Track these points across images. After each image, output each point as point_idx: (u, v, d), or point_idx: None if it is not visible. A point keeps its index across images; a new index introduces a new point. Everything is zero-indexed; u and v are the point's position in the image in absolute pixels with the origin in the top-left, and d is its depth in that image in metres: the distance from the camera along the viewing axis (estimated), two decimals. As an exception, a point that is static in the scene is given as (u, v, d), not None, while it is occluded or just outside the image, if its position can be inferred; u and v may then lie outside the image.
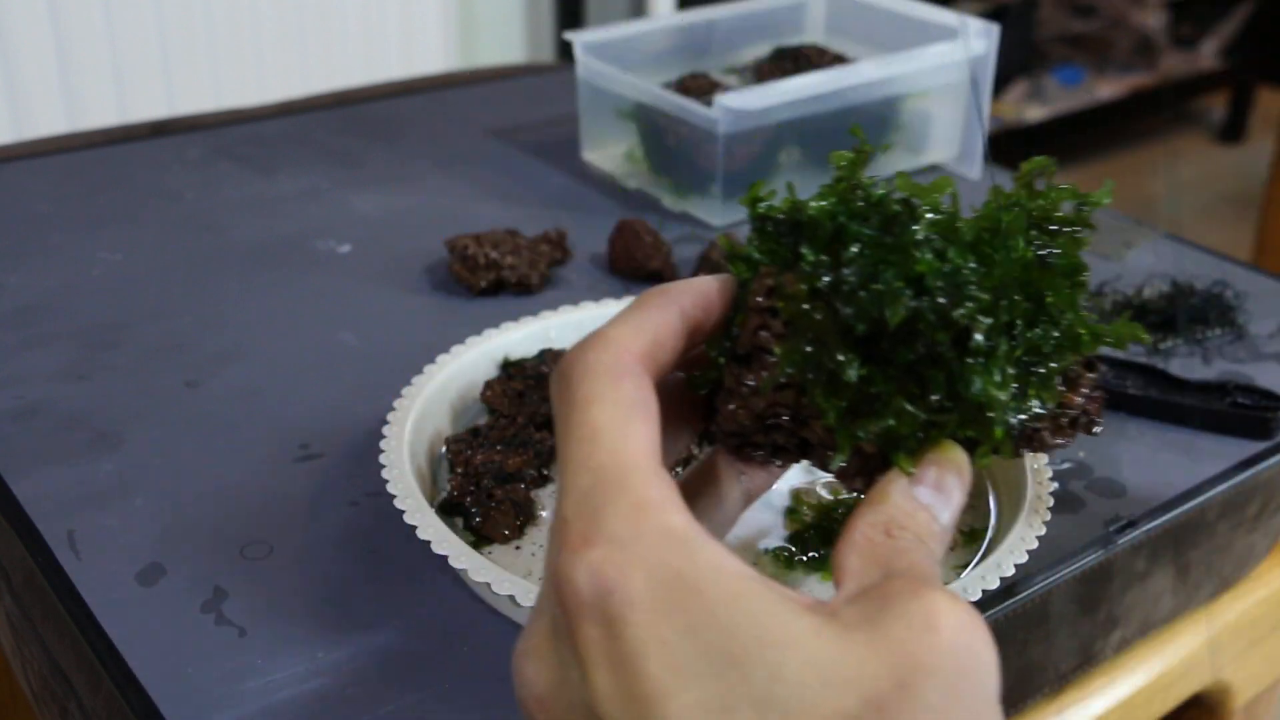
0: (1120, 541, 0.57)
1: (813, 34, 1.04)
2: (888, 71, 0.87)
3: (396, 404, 0.58)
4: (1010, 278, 0.33)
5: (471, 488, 0.55)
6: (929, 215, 0.33)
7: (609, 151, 0.94)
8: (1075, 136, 2.81)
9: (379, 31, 1.82)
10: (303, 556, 0.54)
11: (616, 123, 0.91)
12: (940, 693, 0.27)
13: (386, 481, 0.52)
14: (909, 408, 0.32)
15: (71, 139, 0.99)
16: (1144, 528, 0.58)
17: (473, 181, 0.92)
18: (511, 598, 0.47)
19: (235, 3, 1.68)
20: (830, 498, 0.58)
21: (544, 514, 0.56)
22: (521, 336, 0.65)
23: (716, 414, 0.34)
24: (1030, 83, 2.77)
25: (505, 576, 0.47)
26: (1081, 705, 0.60)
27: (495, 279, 0.75)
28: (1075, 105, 2.76)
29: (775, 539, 0.55)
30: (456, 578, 0.52)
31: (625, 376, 0.31)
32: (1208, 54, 3.02)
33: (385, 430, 0.56)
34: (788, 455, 0.35)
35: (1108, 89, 2.85)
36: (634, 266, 0.77)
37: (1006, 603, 0.53)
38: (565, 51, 0.96)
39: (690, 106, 0.83)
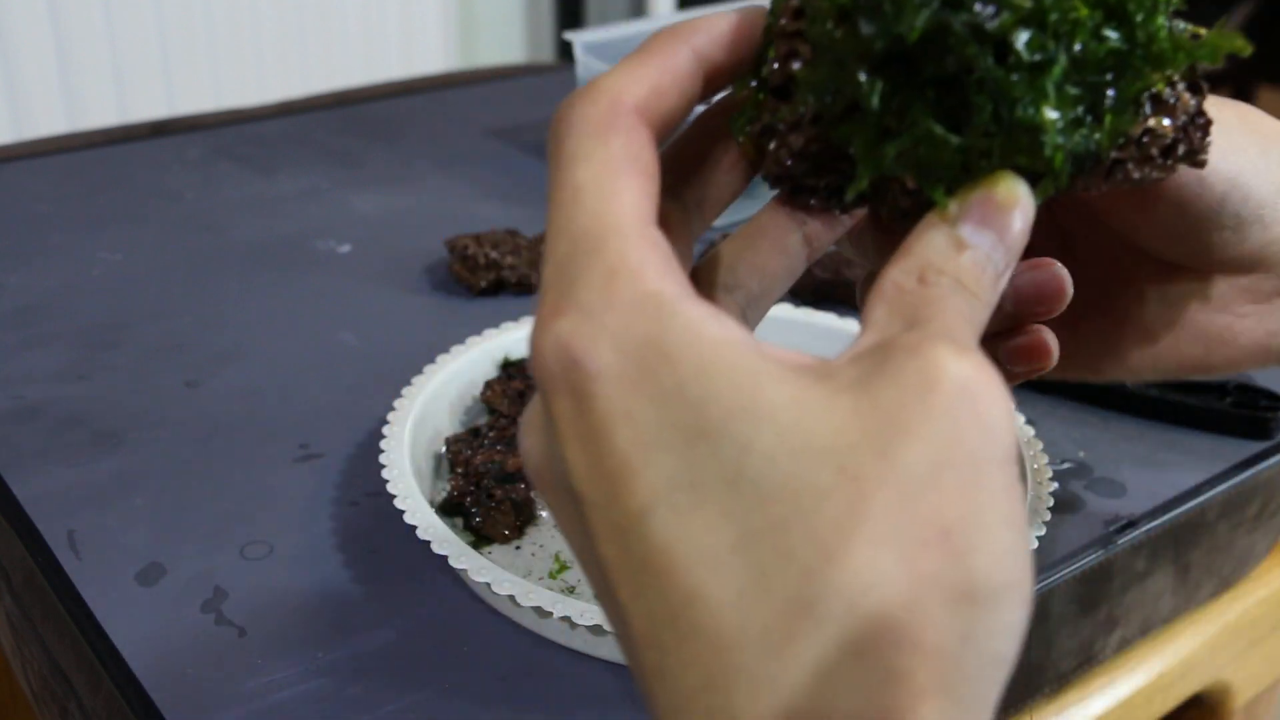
0: (1120, 541, 0.57)
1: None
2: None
3: (396, 404, 0.58)
4: None
5: (471, 488, 0.55)
6: None
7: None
8: (1075, 136, 2.81)
9: (379, 31, 1.82)
10: (303, 556, 0.54)
11: (616, 123, 0.91)
12: (928, 460, 0.24)
13: (386, 481, 0.52)
14: (938, 129, 0.29)
15: (71, 139, 0.99)
16: (1144, 528, 0.58)
17: (473, 181, 0.92)
18: (511, 598, 0.47)
19: (235, 3, 1.68)
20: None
21: (544, 514, 0.56)
22: (521, 336, 0.65)
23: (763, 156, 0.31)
24: (1030, 83, 2.77)
25: (505, 576, 0.47)
26: (1081, 705, 0.60)
27: (495, 279, 0.75)
28: (1075, 105, 2.76)
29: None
30: (456, 578, 0.52)
31: (614, 130, 0.28)
32: (1208, 54, 3.02)
33: (385, 430, 0.56)
34: (842, 197, 0.32)
35: (1108, 89, 2.85)
36: (634, 266, 0.77)
37: (1006, 603, 0.53)
38: (565, 51, 0.96)
39: (690, 106, 0.83)
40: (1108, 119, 0.30)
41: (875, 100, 0.29)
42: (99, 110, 1.62)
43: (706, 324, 0.26)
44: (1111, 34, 0.30)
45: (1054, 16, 0.28)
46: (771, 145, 0.31)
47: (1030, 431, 0.57)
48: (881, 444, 0.24)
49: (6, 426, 0.63)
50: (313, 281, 0.78)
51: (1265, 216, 0.37)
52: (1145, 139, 0.31)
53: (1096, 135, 0.30)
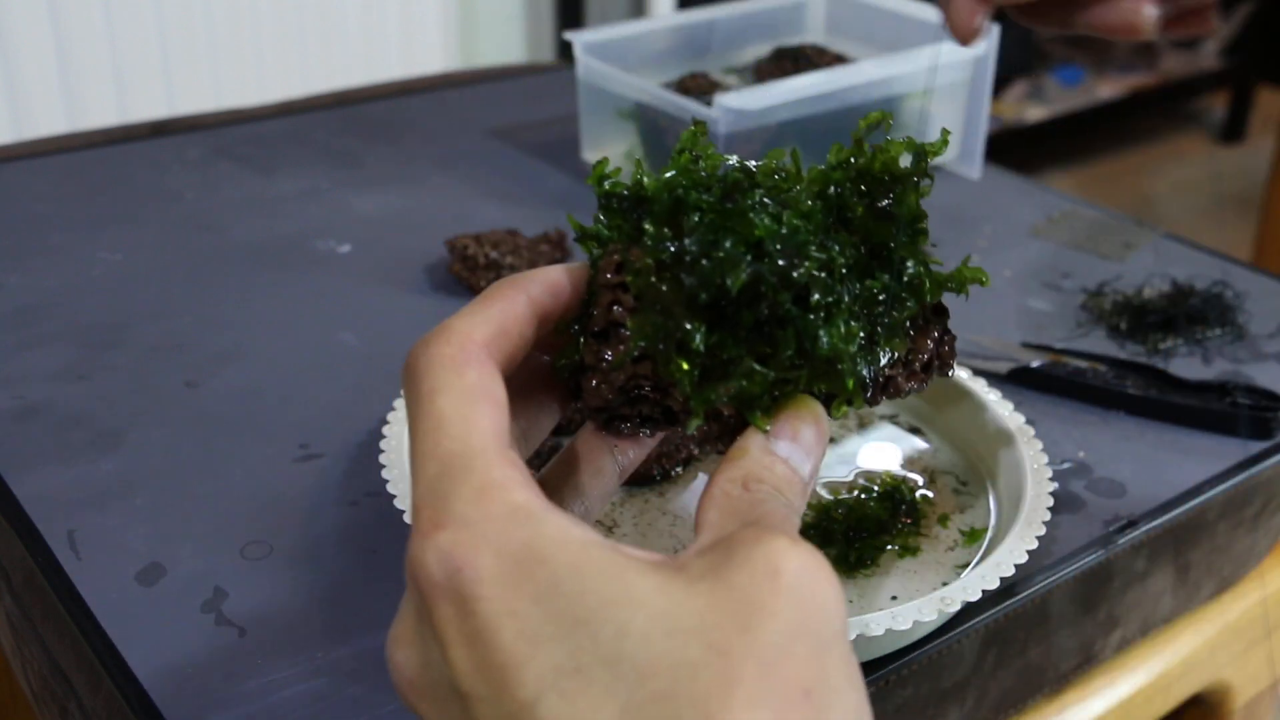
0: (1120, 541, 0.57)
1: (813, 34, 1.04)
2: (888, 71, 0.87)
3: (396, 404, 0.58)
4: (847, 234, 0.35)
5: (471, 488, 0.55)
6: (769, 180, 0.35)
7: (609, 151, 0.94)
8: (1075, 136, 2.81)
9: (379, 31, 1.82)
10: (303, 556, 0.54)
11: (616, 123, 0.91)
12: (782, 633, 0.28)
13: (386, 481, 0.52)
14: (757, 368, 0.33)
15: (71, 139, 0.99)
16: (1144, 528, 0.58)
17: (473, 181, 0.92)
18: (511, 598, 0.47)
19: (235, 3, 1.68)
20: (830, 498, 0.58)
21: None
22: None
23: (582, 392, 0.35)
24: (1030, 83, 2.77)
25: (505, 576, 0.47)
26: (1081, 705, 0.60)
27: (495, 279, 0.75)
28: (1075, 105, 2.76)
29: (775, 539, 0.55)
30: (456, 578, 0.52)
31: (468, 366, 0.31)
32: (1208, 54, 3.02)
33: (385, 430, 0.56)
34: (655, 424, 0.36)
35: (1108, 89, 2.85)
36: (634, 266, 0.77)
37: (1006, 603, 0.53)
38: (565, 51, 0.96)
39: (690, 106, 0.83)
40: (883, 344, 0.36)
41: (700, 343, 0.33)
42: (99, 110, 1.62)
43: (572, 528, 0.29)
44: (882, 275, 0.36)
45: (840, 262, 0.34)
46: (593, 383, 0.34)
47: (1030, 431, 0.57)
48: (741, 621, 0.28)
49: (6, 426, 0.63)
50: (313, 281, 0.78)
51: None
52: (910, 357, 0.37)
53: (876, 359, 0.36)
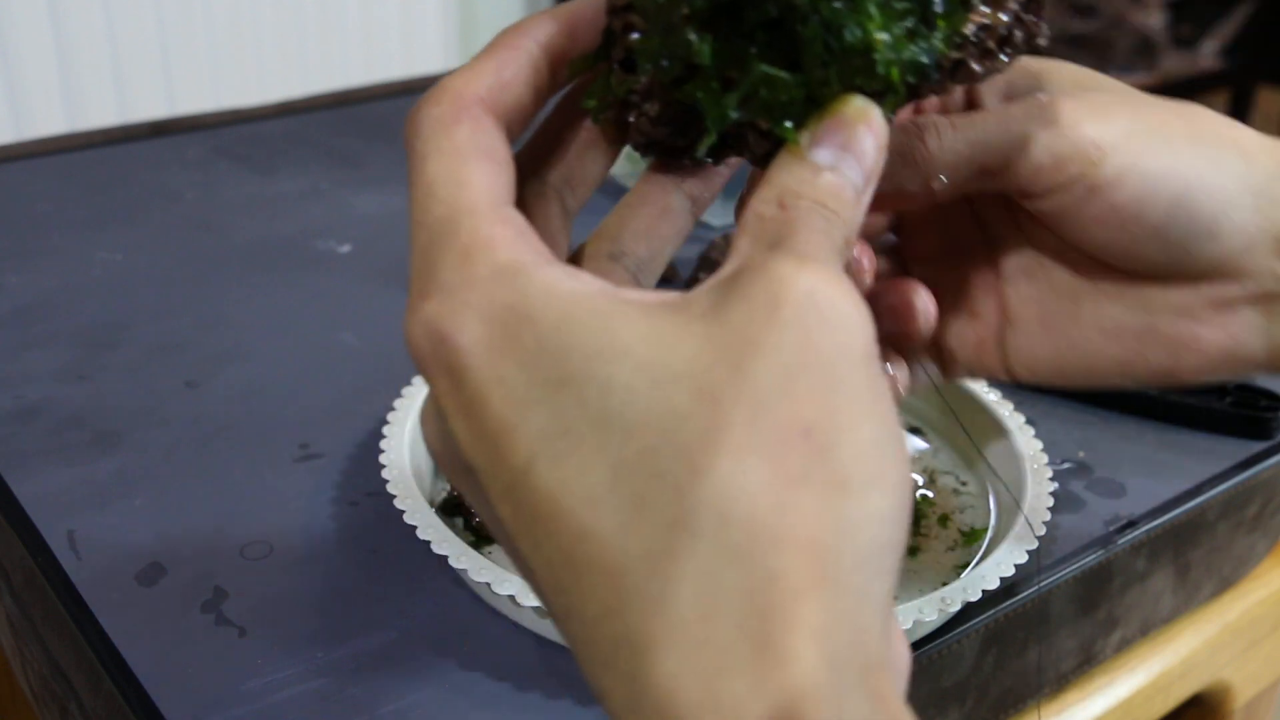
0: (1120, 541, 0.57)
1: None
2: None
3: (396, 404, 0.58)
4: None
5: (471, 488, 0.55)
6: None
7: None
8: (1075, 136, 2.81)
9: (379, 31, 1.82)
10: (303, 556, 0.54)
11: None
12: (780, 370, 0.25)
13: (386, 481, 0.52)
14: (771, 70, 0.30)
15: (71, 139, 0.99)
16: (1144, 528, 0.58)
17: (473, 181, 0.92)
18: (512, 598, 0.47)
19: (235, 3, 1.68)
20: (830, 498, 0.58)
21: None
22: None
23: (626, 129, 0.33)
24: (1030, 83, 2.77)
25: (505, 576, 0.47)
26: (1081, 705, 0.60)
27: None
28: (1075, 105, 2.76)
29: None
30: (456, 578, 0.52)
31: (459, 122, 0.30)
32: (1208, 54, 3.02)
33: (385, 430, 0.56)
34: (715, 152, 0.33)
35: (1108, 89, 2.85)
36: (634, 266, 0.77)
37: (1006, 603, 0.53)
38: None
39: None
40: (939, 23, 0.31)
41: (707, 56, 0.30)
42: (99, 110, 1.62)
43: (561, 282, 0.27)
44: None
45: None
46: (631, 117, 0.32)
47: (1030, 431, 0.57)
48: (734, 361, 0.25)
49: (6, 426, 0.62)
50: (313, 281, 0.78)
51: (1218, 229, 0.37)
52: (981, 34, 0.32)
53: (933, 41, 0.31)
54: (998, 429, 0.58)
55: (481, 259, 0.27)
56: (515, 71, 0.31)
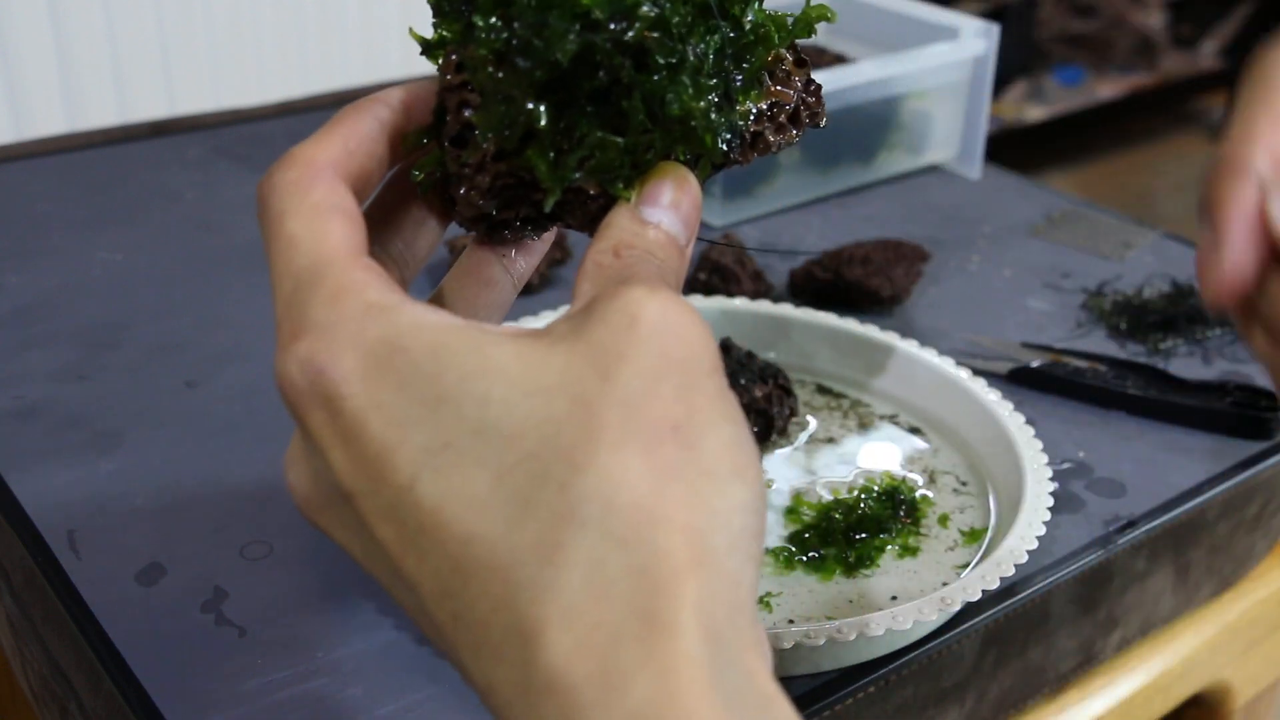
0: (1120, 541, 0.57)
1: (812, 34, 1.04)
2: (888, 71, 0.87)
3: (396, 404, 0.58)
4: None
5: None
6: None
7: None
8: (1075, 136, 2.81)
9: (379, 31, 1.82)
10: (303, 556, 0.54)
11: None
12: (644, 376, 0.28)
13: (386, 481, 0.52)
14: (606, 136, 0.33)
15: (71, 139, 0.99)
16: (1144, 528, 0.58)
17: (473, 181, 0.92)
18: (511, 598, 0.47)
19: (235, 3, 1.68)
20: (830, 498, 0.58)
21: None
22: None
23: (454, 204, 0.35)
24: (1030, 83, 2.77)
25: (505, 576, 0.47)
26: (1081, 705, 0.60)
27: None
28: (1075, 105, 2.76)
29: (775, 539, 0.55)
30: (456, 578, 0.52)
31: (314, 185, 0.31)
32: (1208, 54, 3.02)
33: (385, 430, 0.56)
34: (537, 224, 0.35)
35: (1108, 89, 2.85)
36: (634, 266, 0.77)
37: (1006, 603, 0.53)
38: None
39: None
40: (740, 98, 0.35)
41: (544, 121, 0.32)
42: (99, 110, 1.62)
43: (427, 315, 0.29)
44: (723, 26, 0.35)
45: (675, 20, 0.33)
46: (460, 190, 0.33)
47: (1030, 431, 0.57)
48: (601, 370, 0.28)
49: (6, 426, 0.63)
50: (313, 281, 0.78)
51: None
52: (773, 110, 0.36)
53: (734, 115, 0.35)
54: (998, 429, 0.58)
55: (351, 299, 0.29)
56: (359, 143, 0.33)
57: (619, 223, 0.33)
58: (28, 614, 0.55)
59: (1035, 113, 2.70)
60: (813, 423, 0.64)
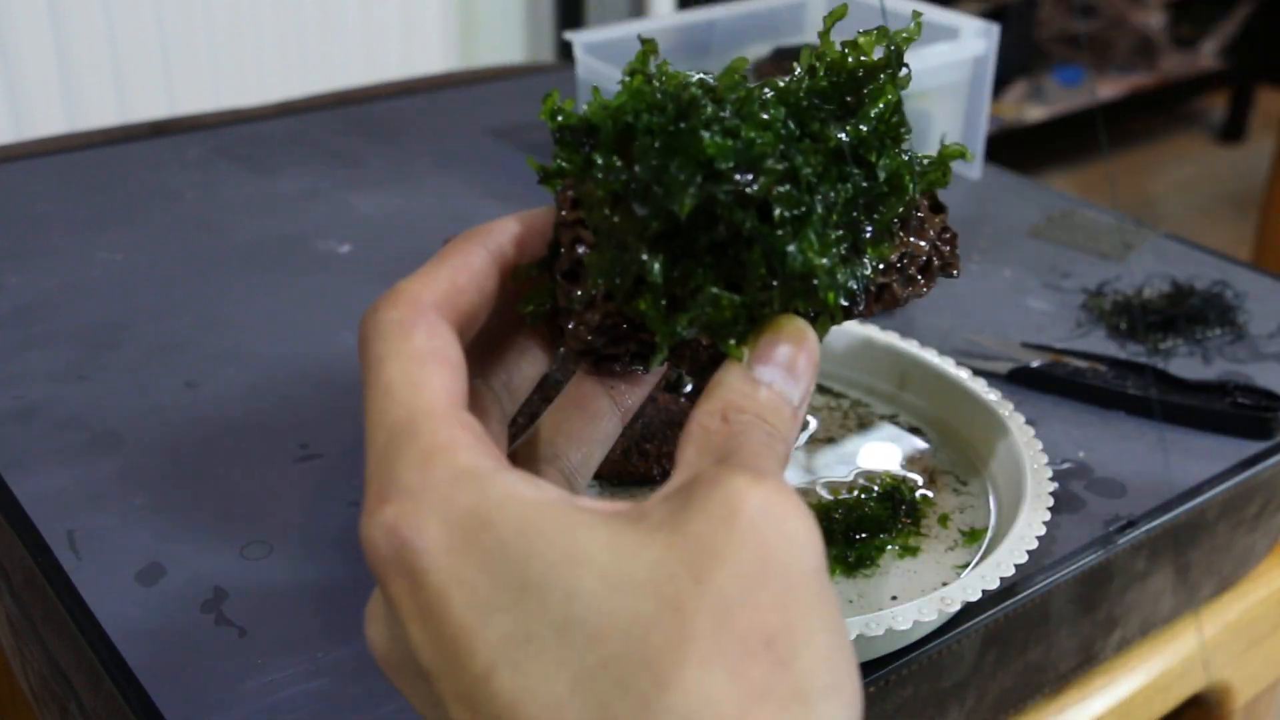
0: (1120, 541, 0.57)
1: (813, 34, 1.04)
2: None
3: (396, 404, 0.58)
4: (812, 141, 0.32)
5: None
6: (730, 94, 0.32)
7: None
8: (1075, 136, 2.81)
9: (379, 31, 1.82)
10: (303, 556, 0.54)
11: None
12: (740, 580, 0.26)
13: (386, 481, 0.52)
14: (720, 292, 0.31)
15: (71, 139, 0.99)
16: (1144, 528, 0.58)
17: (472, 182, 0.92)
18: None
19: (235, 3, 1.68)
20: (830, 498, 0.58)
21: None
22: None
23: (563, 336, 0.34)
24: (1030, 83, 2.77)
25: (505, 576, 0.47)
26: (1081, 705, 0.60)
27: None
28: (1075, 105, 2.76)
29: (775, 539, 0.55)
30: (456, 578, 0.52)
31: (416, 328, 0.30)
32: (1208, 54, 3.02)
33: (385, 430, 0.56)
34: (644, 360, 0.34)
35: (1108, 89, 2.85)
36: (634, 266, 0.77)
37: (1006, 603, 0.53)
38: (565, 51, 0.96)
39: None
40: (869, 250, 0.33)
41: (658, 275, 0.31)
42: (99, 110, 1.62)
43: (521, 488, 0.27)
44: (855, 175, 0.33)
45: (805, 171, 0.31)
46: (570, 325, 0.33)
47: (1030, 431, 0.57)
48: (696, 571, 0.26)
49: (6, 426, 0.63)
50: (313, 281, 0.78)
51: None
52: (904, 261, 0.35)
53: (862, 268, 0.33)
54: (998, 429, 0.58)
55: (441, 462, 0.28)
56: (469, 278, 0.32)
57: (729, 382, 0.31)
58: (28, 614, 0.55)
59: (1035, 113, 2.70)
60: (813, 423, 0.64)
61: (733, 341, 0.32)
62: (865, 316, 0.34)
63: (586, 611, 0.26)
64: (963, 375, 0.62)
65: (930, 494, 0.59)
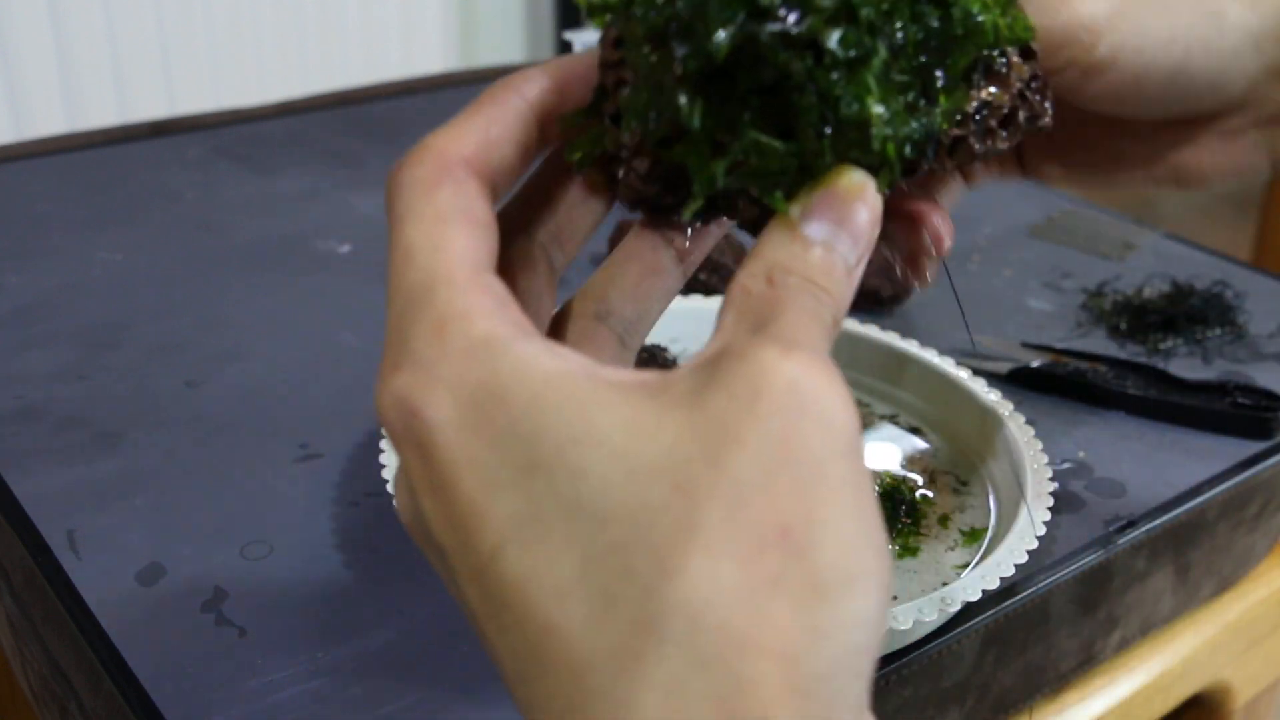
0: (1120, 541, 0.57)
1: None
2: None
3: (396, 404, 0.58)
4: None
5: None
6: None
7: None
8: (1075, 136, 2.81)
9: (379, 31, 1.82)
10: (303, 556, 0.54)
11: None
12: (758, 465, 0.24)
13: (386, 481, 0.52)
14: (763, 138, 0.28)
15: (71, 139, 0.99)
16: (1144, 528, 0.58)
17: (473, 181, 0.92)
18: (511, 598, 0.47)
19: (235, 3, 1.68)
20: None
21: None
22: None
23: (616, 184, 0.31)
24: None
25: (505, 576, 0.47)
26: (1081, 705, 0.60)
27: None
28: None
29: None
30: (456, 578, 0.52)
31: (441, 185, 0.28)
32: (1208, 54, 3.01)
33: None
34: (704, 213, 0.32)
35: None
36: (634, 266, 0.77)
37: (1006, 603, 0.53)
38: (565, 51, 0.96)
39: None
40: (941, 99, 0.30)
41: (696, 120, 0.28)
42: (99, 110, 1.62)
43: (538, 359, 0.26)
44: (929, 15, 0.30)
45: (865, 10, 0.28)
46: (620, 172, 0.30)
47: (1030, 431, 0.57)
48: (712, 454, 0.24)
49: (6, 426, 0.62)
50: (313, 281, 0.78)
51: (1220, 81, 0.38)
52: (982, 113, 0.31)
53: (931, 117, 0.30)
54: (998, 429, 0.58)
55: (456, 331, 0.26)
56: (503, 129, 0.30)
57: (776, 240, 0.28)
58: (28, 614, 0.55)
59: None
60: (813, 423, 0.64)
61: (780, 194, 0.29)
62: (937, 171, 0.31)
63: (594, 494, 0.24)
64: (962, 375, 0.62)
65: (930, 494, 0.59)
